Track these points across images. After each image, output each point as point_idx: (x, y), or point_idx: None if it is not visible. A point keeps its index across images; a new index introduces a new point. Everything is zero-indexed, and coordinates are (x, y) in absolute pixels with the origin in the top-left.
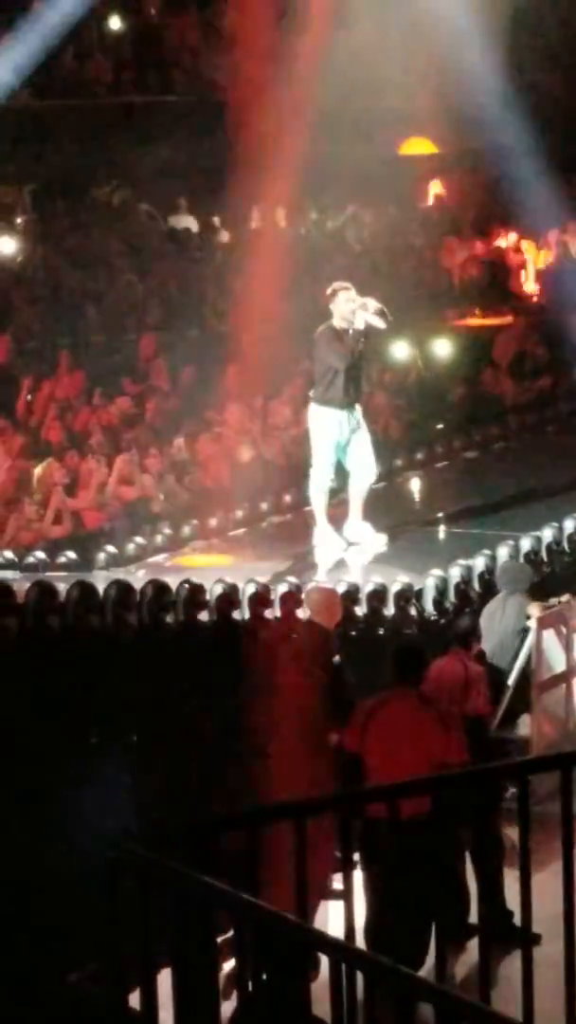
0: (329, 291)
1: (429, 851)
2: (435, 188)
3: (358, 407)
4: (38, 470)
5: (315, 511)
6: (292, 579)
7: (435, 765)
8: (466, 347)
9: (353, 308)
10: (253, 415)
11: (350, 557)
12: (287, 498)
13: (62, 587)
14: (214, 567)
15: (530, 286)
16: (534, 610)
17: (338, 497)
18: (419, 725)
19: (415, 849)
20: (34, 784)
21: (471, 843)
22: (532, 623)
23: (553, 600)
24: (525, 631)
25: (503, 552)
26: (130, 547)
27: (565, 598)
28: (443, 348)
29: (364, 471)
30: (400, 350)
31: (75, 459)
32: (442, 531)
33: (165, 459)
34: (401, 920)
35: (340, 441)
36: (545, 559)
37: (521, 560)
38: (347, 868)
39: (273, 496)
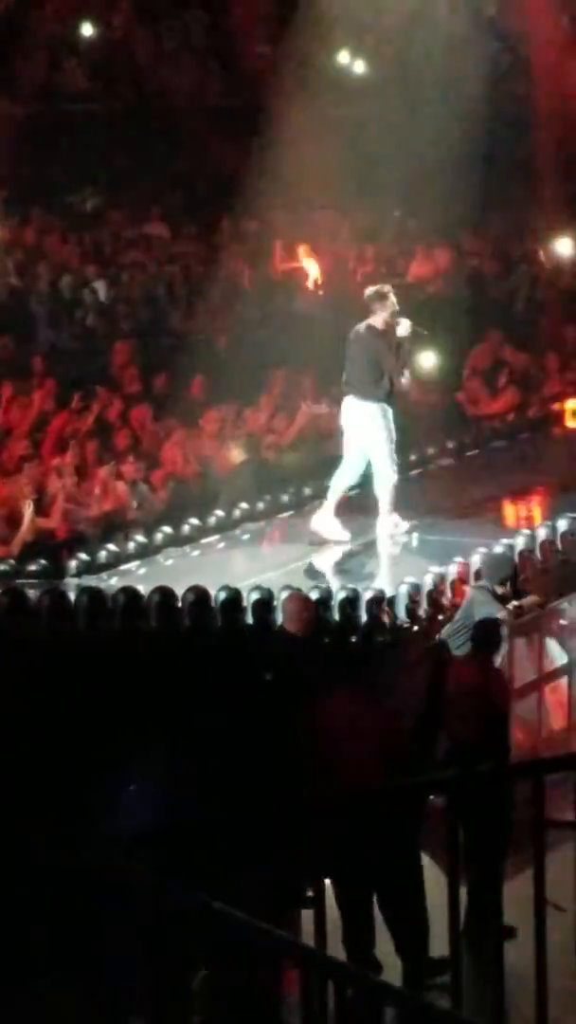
0: (379, 290)
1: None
2: None
3: None
4: (5, 488)
5: (333, 499)
6: (264, 586)
7: (376, 755)
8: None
9: (396, 311)
10: (233, 421)
11: (324, 563)
12: (260, 505)
13: (33, 595)
14: None
15: None
16: (502, 614)
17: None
18: (360, 720)
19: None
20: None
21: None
22: (504, 631)
23: (513, 603)
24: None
25: (476, 559)
26: (102, 554)
27: (531, 599)
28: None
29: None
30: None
31: (44, 472)
32: (415, 538)
33: (141, 467)
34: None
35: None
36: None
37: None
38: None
39: (248, 502)
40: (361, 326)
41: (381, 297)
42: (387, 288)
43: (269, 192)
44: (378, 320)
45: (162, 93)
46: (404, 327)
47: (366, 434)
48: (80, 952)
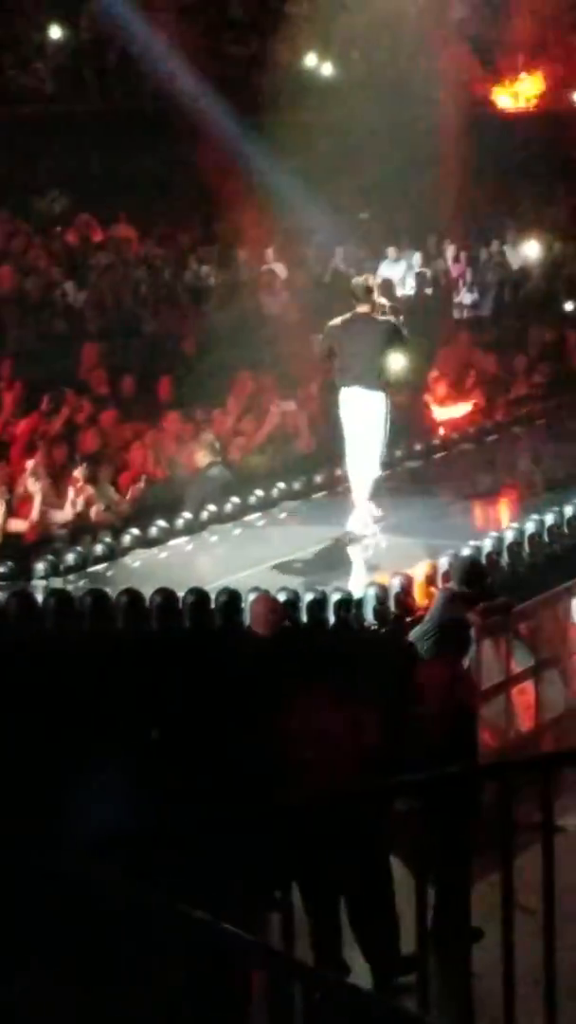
0: (365, 282)
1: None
2: None
3: None
4: None
5: (356, 485)
6: (232, 588)
7: (345, 758)
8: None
9: (378, 294)
10: (195, 423)
11: (291, 565)
12: (228, 507)
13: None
14: None
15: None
16: (471, 616)
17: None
18: (329, 723)
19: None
20: None
21: (438, 848)
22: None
23: (481, 605)
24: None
25: (444, 562)
26: (69, 557)
27: (499, 601)
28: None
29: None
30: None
31: (13, 474)
32: (383, 540)
33: (109, 469)
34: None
35: None
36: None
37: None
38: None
39: (215, 504)
40: (348, 317)
41: (368, 291)
42: (372, 279)
43: (237, 194)
44: (366, 308)
45: (130, 96)
46: (386, 310)
47: (367, 423)
48: (64, 953)
